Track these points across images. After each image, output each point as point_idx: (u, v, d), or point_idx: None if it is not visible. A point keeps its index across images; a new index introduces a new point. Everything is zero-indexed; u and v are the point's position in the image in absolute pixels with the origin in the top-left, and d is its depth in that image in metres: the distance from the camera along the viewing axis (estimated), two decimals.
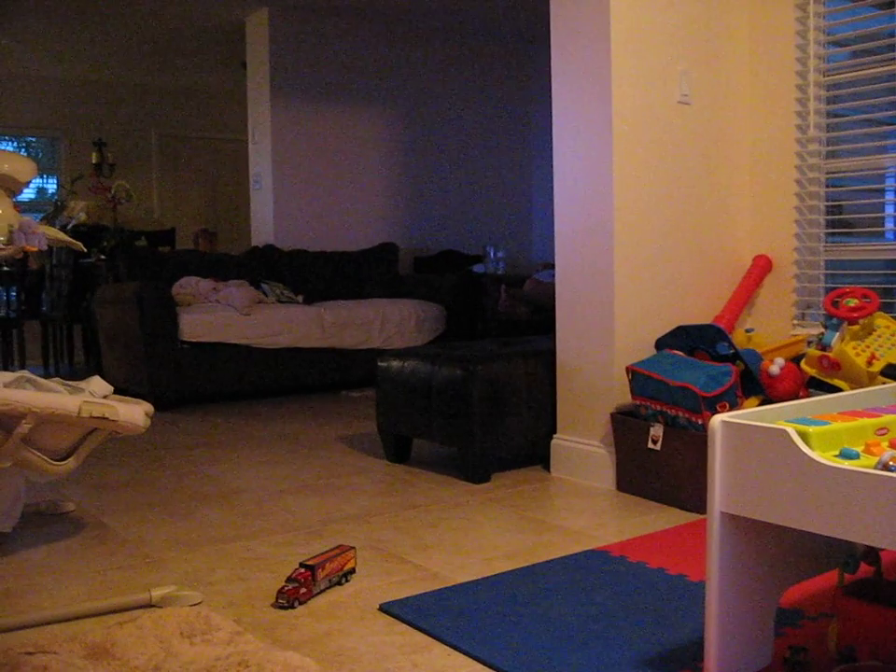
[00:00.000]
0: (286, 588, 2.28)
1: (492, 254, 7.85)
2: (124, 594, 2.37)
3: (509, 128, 8.78)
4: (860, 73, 3.64)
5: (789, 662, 1.85)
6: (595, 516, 3.11)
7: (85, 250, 3.19)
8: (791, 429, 1.57)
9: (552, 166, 3.70)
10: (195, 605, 2.27)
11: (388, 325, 6.42)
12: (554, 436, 3.71)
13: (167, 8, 7.52)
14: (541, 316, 6.30)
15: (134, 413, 2.66)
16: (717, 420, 1.66)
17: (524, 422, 3.68)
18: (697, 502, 3.07)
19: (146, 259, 6.40)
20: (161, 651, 2.00)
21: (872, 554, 1.87)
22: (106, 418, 2.56)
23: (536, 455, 3.84)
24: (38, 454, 2.57)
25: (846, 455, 1.56)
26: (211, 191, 10.74)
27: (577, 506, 3.25)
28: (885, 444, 1.61)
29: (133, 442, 4.41)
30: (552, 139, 3.68)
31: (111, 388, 2.96)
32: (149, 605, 2.28)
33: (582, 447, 3.58)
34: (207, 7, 7.53)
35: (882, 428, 1.68)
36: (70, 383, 2.89)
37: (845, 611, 1.82)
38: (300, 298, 6.59)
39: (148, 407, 2.80)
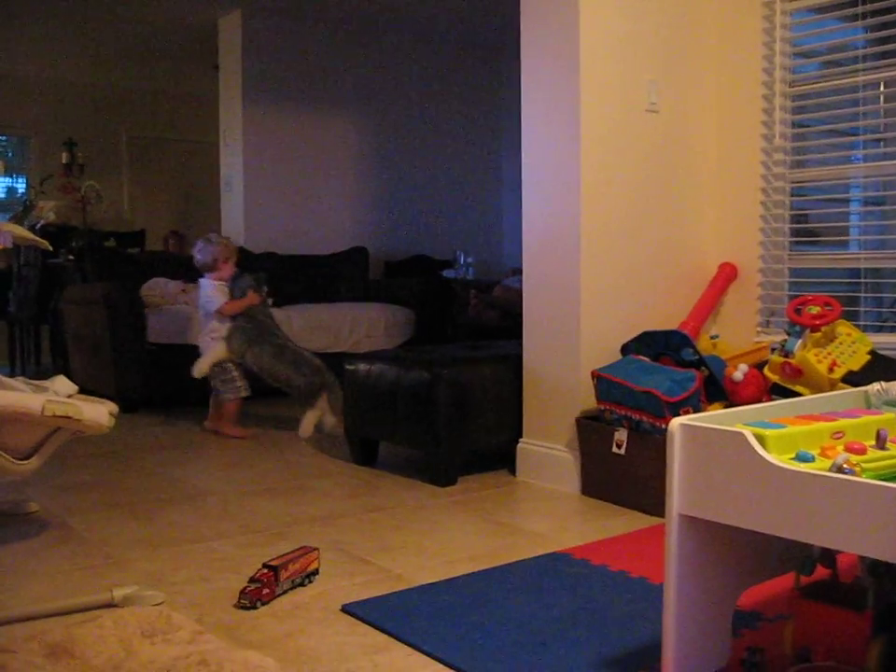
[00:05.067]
0: (248, 588, 2.28)
1: (462, 259, 7.87)
2: (86, 593, 2.36)
3: (480, 134, 8.81)
4: (825, 84, 3.69)
5: (745, 662, 1.87)
6: (559, 520, 3.13)
7: (51, 248, 3.18)
8: (748, 432, 1.59)
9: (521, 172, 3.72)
10: (157, 605, 2.27)
11: (357, 329, 6.41)
12: (520, 440, 3.73)
13: (139, 9, 7.49)
14: (510, 322, 6.31)
15: (99, 412, 2.65)
16: (676, 423, 1.68)
17: (490, 426, 3.70)
18: (660, 506, 3.06)
19: (114, 259, 6.36)
20: (122, 651, 1.99)
21: (828, 557, 1.89)
22: (70, 417, 2.55)
23: (502, 458, 3.85)
24: (1, 452, 2.56)
25: (801, 457, 1.58)
26: (181, 193, 10.69)
27: (541, 509, 3.27)
28: (840, 448, 1.64)
29: (98, 443, 4.38)
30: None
31: (76, 388, 2.95)
32: (111, 605, 2.27)
33: (548, 451, 3.60)
34: (179, 9, 7.50)
35: (838, 432, 1.71)
36: (34, 382, 2.88)
37: (801, 613, 1.84)
38: (269, 301, 6.56)
39: (113, 406, 2.79)
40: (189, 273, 6.41)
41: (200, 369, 4.72)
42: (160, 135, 10.52)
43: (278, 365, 4.63)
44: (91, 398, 2.86)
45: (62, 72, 9.60)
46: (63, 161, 9.82)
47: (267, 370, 4.65)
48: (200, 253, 4.88)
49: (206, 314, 4.84)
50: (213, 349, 4.77)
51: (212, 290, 4.80)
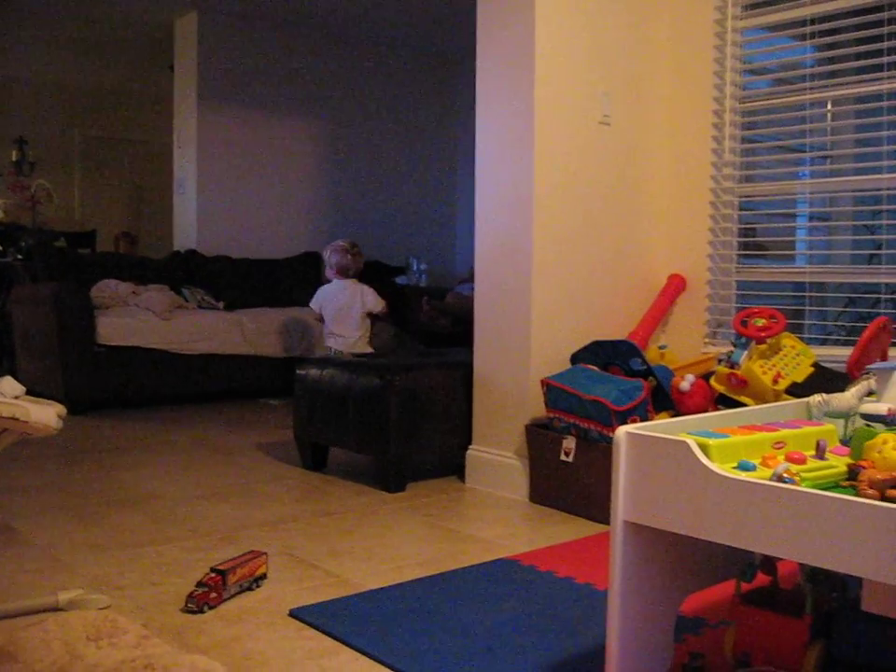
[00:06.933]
0: (195, 592, 2.27)
1: (415, 266, 7.88)
2: (31, 597, 2.34)
3: (435, 141, 8.84)
4: (774, 101, 3.76)
5: (687, 668, 1.90)
6: (508, 526, 3.15)
7: (0, 248, 3.14)
8: (691, 441, 1.62)
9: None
10: (103, 609, 2.26)
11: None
12: (470, 447, 3.75)
13: (94, 8, 7.43)
14: (462, 328, 6.33)
15: (47, 414, 2.62)
16: (621, 431, 1.71)
17: (440, 432, 3.72)
18: (607, 513, 3.10)
19: (64, 260, 6.29)
20: (66, 655, 1.98)
21: (768, 564, 1.93)
22: (17, 419, 2.52)
23: (451, 465, 3.88)
24: None
25: (743, 466, 1.62)
26: (134, 194, 10.61)
27: (490, 516, 3.29)
28: (781, 457, 1.67)
29: (46, 446, 4.34)
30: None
31: (23, 389, 2.91)
32: (56, 608, 2.25)
33: (497, 458, 3.62)
34: (135, 9, 7.45)
35: (779, 442, 1.75)
36: None
37: (741, 619, 1.88)
38: (221, 304, 6.54)
39: (61, 408, 2.76)
40: (141, 274, 6.37)
41: None
42: (112, 135, 10.43)
43: None
44: (39, 399, 2.82)
45: (13, 69, 9.49)
46: (13, 159, 9.70)
47: None
48: (355, 258, 5.39)
49: (352, 312, 5.30)
50: (364, 346, 5.24)
51: (374, 293, 5.38)
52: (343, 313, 5.27)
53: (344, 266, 5.32)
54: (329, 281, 5.45)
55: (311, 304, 5.47)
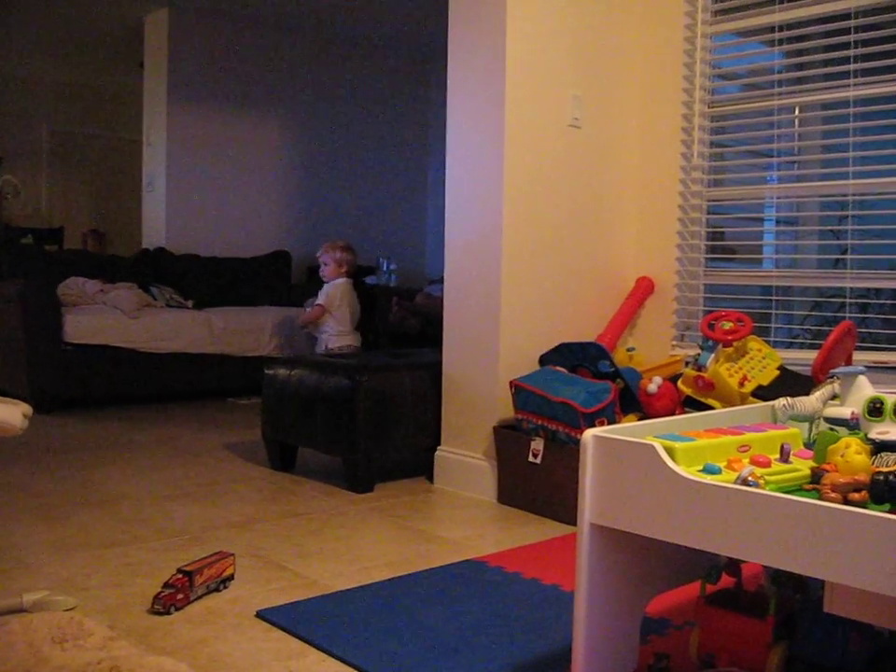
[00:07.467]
0: (162, 594, 2.27)
1: (384, 266, 7.87)
2: None
3: (405, 141, 8.83)
4: (743, 106, 3.80)
5: (652, 668, 1.92)
6: (475, 527, 3.16)
7: None
8: (657, 445, 1.64)
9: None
10: (69, 610, 2.24)
11: (278, 333, 6.39)
12: (438, 448, 3.76)
13: (64, 3, 7.36)
14: (432, 329, 6.34)
15: (11, 413, 2.60)
16: (588, 434, 1.72)
17: (408, 433, 3.72)
18: (574, 515, 3.12)
19: (31, 256, 6.25)
20: (31, 657, 1.96)
21: (733, 566, 1.95)
22: None
23: (420, 466, 3.88)
24: None
25: (708, 470, 1.64)
26: (102, 191, 10.51)
27: (457, 517, 3.30)
28: (746, 461, 1.69)
29: (11, 445, 4.29)
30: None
31: None
32: (21, 610, 2.23)
33: (465, 459, 3.63)
34: (106, 4, 7.39)
35: (744, 446, 1.77)
36: None
37: (706, 620, 1.90)
38: (189, 303, 6.51)
39: (26, 408, 2.73)
40: (109, 272, 6.33)
41: None
42: (81, 131, 10.33)
43: None
44: (4, 398, 2.80)
45: None
46: None
47: None
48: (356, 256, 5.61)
49: (359, 310, 5.64)
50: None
51: None
52: (358, 310, 5.55)
53: (353, 263, 5.46)
54: (326, 280, 5.53)
55: (324, 302, 5.52)
